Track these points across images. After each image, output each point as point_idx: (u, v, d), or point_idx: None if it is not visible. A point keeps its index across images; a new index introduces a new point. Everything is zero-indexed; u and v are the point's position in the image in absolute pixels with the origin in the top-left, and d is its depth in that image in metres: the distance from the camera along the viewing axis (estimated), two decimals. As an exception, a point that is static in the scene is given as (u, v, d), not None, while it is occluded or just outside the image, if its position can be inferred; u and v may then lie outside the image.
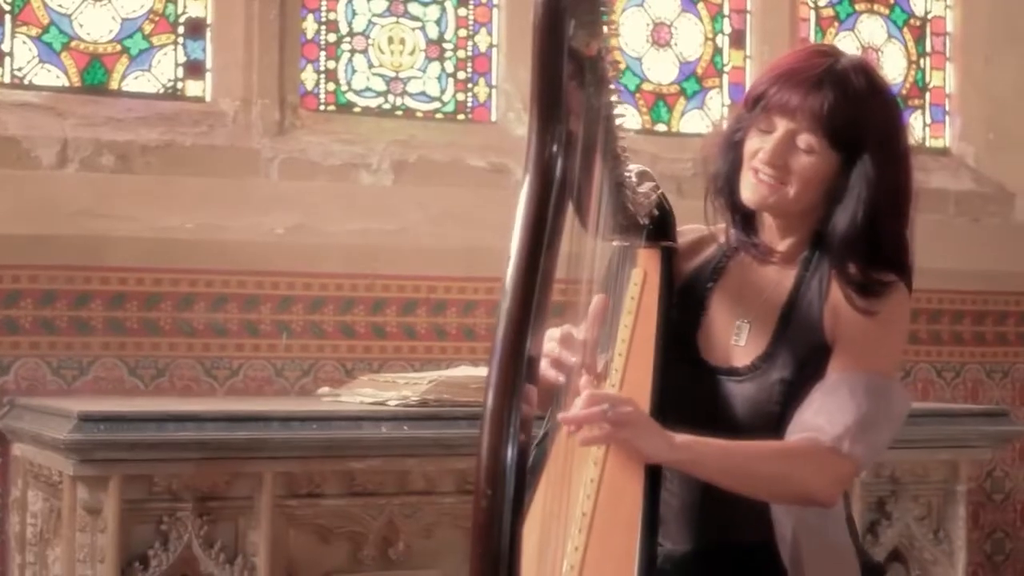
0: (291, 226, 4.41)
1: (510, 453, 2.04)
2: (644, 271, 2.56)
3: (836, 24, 5.51)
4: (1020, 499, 5.39)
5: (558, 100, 2.12)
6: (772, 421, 2.45)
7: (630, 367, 2.46)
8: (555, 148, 2.11)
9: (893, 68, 5.58)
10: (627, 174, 2.47)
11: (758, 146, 2.46)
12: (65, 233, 4.15)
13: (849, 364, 2.42)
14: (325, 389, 4.18)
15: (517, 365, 2.04)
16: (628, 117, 2.77)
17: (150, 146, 4.40)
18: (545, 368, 2.33)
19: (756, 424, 2.45)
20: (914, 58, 5.63)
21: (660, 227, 2.57)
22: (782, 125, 2.44)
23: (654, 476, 2.36)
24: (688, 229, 2.66)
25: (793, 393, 2.45)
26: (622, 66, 5.10)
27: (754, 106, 2.48)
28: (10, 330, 4.10)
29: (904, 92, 5.60)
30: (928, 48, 5.66)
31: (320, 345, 4.41)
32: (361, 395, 3.94)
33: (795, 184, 2.44)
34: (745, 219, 2.55)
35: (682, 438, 2.32)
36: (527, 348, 2.06)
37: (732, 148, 2.52)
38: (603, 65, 2.29)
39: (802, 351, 2.46)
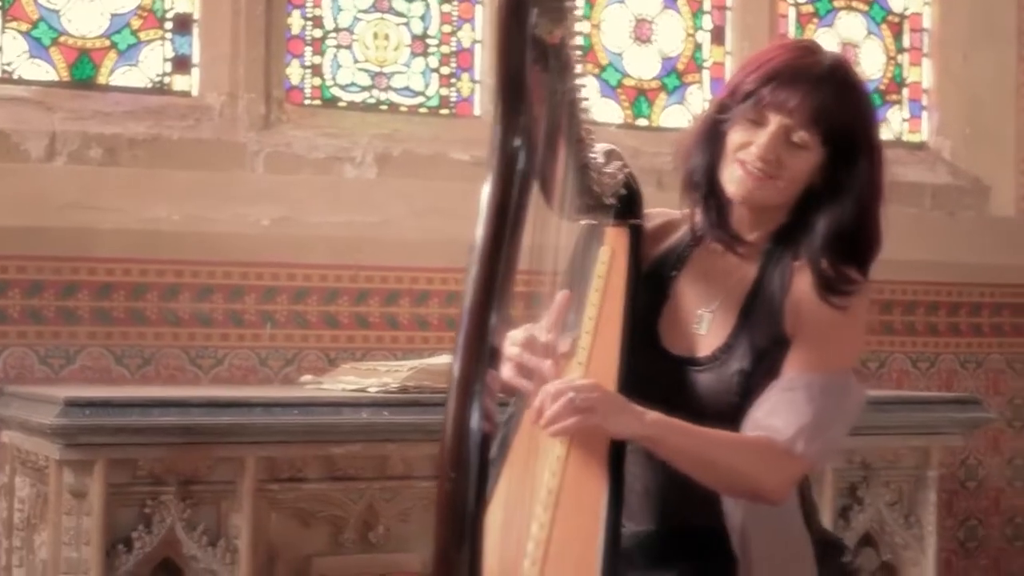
0: (276, 218, 4.49)
1: (475, 425, 2.12)
2: (611, 249, 2.60)
3: (815, 20, 5.59)
4: (993, 487, 5.47)
5: (521, 90, 2.19)
6: (730, 411, 2.51)
7: (597, 344, 2.51)
8: (518, 140, 2.18)
9: (872, 64, 5.66)
10: (592, 155, 2.52)
11: (746, 139, 2.51)
12: (53, 224, 4.22)
13: (807, 364, 2.48)
14: (308, 377, 4.26)
15: (481, 334, 2.12)
16: (592, 100, 2.81)
17: (137, 139, 4.47)
18: (510, 375, 2.41)
19: (714, 413, 2.50)
20: (892, 54, 5.71)
21: (627, 206, 2.62)
22: (776, 120, 2.49)
23: (618, 455, 2.43)
24: (656, 213, 2.71)
25: (751, 385, 2.51)
26: (588, 54, 5.17)
27: (743, 99, 2.53)
28: (-1, 319, 4.19)
29: (883, 87, 5.68)
30: (906, 44, 5.73)
31: (304, 335, 4.49)
32: (343, 382, 4.02)
33: (785, 179, 2.50)
34: (719, 210, 2.59)
35: (651, 415, 2.38)
36: (491, 325, 2.14)
37: (715, 139, 2.56)
38: (567, 52, 2.34)
39: (762, 343, 2.52)
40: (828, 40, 5.55)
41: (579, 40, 2.40)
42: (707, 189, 2.58)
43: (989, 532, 5.48)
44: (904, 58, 5.73)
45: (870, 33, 5.68)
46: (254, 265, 4.43)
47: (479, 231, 2.18)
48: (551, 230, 2.45)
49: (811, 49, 2.60)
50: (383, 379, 3.89)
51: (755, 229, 2.59)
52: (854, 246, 2.53)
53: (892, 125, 5.70)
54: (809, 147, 2.49)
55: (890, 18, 5.71)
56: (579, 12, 2.37)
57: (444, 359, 4.09)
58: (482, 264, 2.17)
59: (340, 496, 3.81)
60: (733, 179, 2.52)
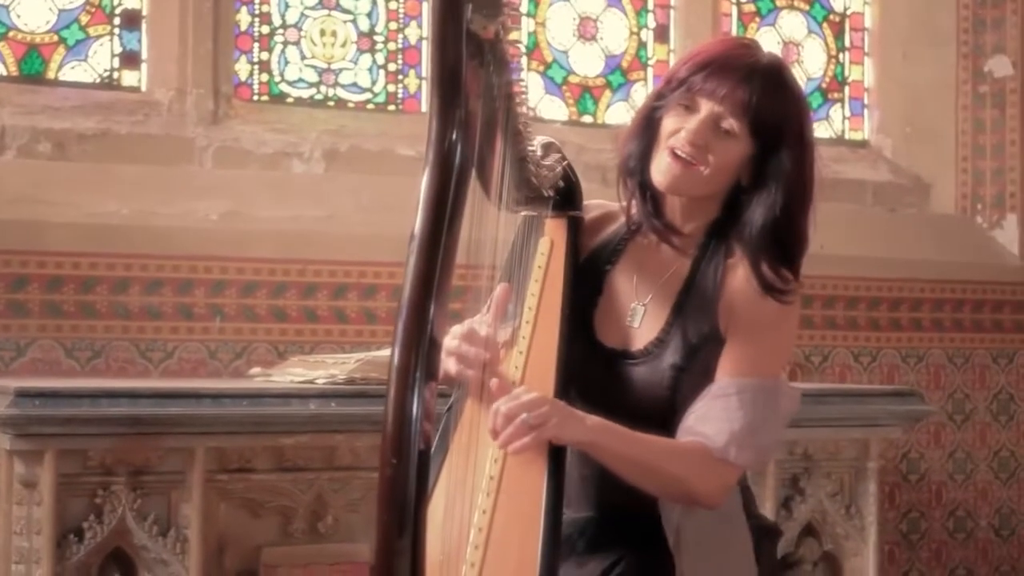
0: (224, 212, 4.52)
1: (415, 413, 2.15)
2: (551, 240, 2.64)
3: (757, 19, 5.67)
4: (935, 480, 5.56)
5: (458, 84, 2.21)
6: (662, 405, 2.54)
7: (537, 334, 2.54)
8: (455, 133, 2.21)
9: (813, 63, 5.75)
10: (530, 148, 2.53)
11: (677, 125, 2.53)
12: (2, 218, 4.24)
13: (739, 368, 2.51)
14: (256, 369, 4.29)
15: (421, 323, 2.16)
16: (537, 97, 2.81)
17: (87, 134, 4.50)
18: (449, 365, 2.44)
19: (647, 407, 2.54)
20: (833, 53, 5.80)
21: (566, 197, 2.64)
22: (707, 106, 2.52)
23: (559, 447, 2.45)
24: (594, 204, 2.73)
25: (684, 379, 2.54)
26: (534, 51, 5.24)
27: (677, 87, 2.56)
28: (-51, 313, 4.20)
29: (824, 86, 5.77)
30: (847, 43, 5.82)
31: (253, 328, 4.52)
32: (291, 374, 4.05)
33: (711, 166, 2.53)
34: (653, 200, 2.61)
35: (593, 420, 2.42)
36: (430, 314, 2.18)
37: (649, 127, 2.59)
38: (502, 46, 2.36)
39: (694, 338, 2.55)
40: (770, 39, 5.65)
41: (516, 35, 2.42)
42: (641, 178, 2.61)
43: (931, 524, 5.57)
44: (845, 57, 5.83)
45: (811, 32, 5.77)
46: (203, 259, 4.46)
47: (417, 222, 2.21)
48: (489, 225, 2.45)
49: (748, 45, 2.65)
50: (331, 371, 3.92)
51: (689, 221, 2.61)
52: (784, 245, 2.55)
53: (834, 123, 5.80)
54: (737, 136, 2.52)
55: (831, 17, 5.81)
56: (515, 7, 2.40)
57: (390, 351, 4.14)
58: (420, 255, 2.19)
59: (289, 487, 3.84)
60: (660, 168, 2.55)
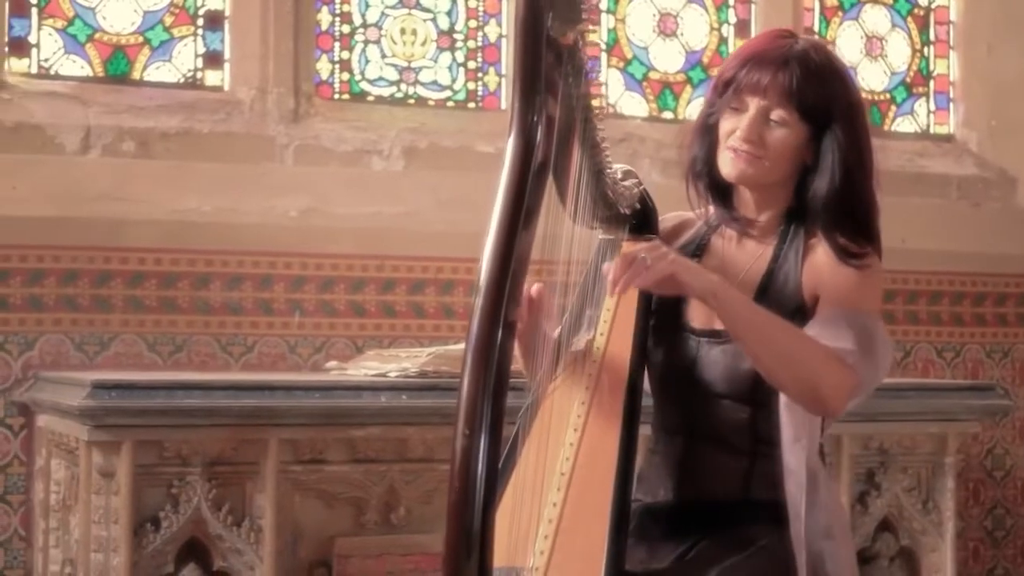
0: (304, 209, 4.60)
1: (489, 385, 2.20)
2: None
3: (840, 14, 5.65)
4: (1020, 476, 5.50)
5: (538, 77, 2.28)
6: (748, 382, 2.58)
7: (610, 346, 2.62)
8: (535, 117, 2.28)
9: (897, 57, 5.71)
10: (608, 162, 2.60)
11: (733, 125, 2.61)
12: (87, 215, 4.35)
13: (841, 302, 2.55)
14: (332, 363, 4.36)
15: (498, 304, 2.21)
16: (617, 94, 2.85)
17: (169, 133, 4.59)
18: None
19: (732, 384, 2.59)
20: (918, 47, 5.76)
21: (643, 221, 2.71)
22: (754, 103, 2.59)
23: (630, 438, 2.53)
24: (671, 216, 2.81)
25: None
26: (614, 48, 5.26)
27: (724, 90, 2.64)
28: (35, 307, 4.30)
29: (908, 80, 5.73)
30: (932, 37, 5.78)
31: (332, 323, 4.59)
32: (365, 368, 4.12)
33: (771, 156, 2.59)
34: (724, 198, 2.70)
35: (718, 277, 2.48)
36: (507, 292, 2.23)
37: (707, 132, 2.67)
38: (580, 55, 2.43)
39: (780, 314, 2.59)
40: (853, 33, 5.64)
41: (594, 42, 2.48)
42: (709, 180, 2.69)
43: (1017, 521, 5.51)
44: (930, 51, 5.78)
45: (895, 26, 5.73)
46: (282, 255, 4.54)
47: (498, 201, 2.27)
48: (565, 223, 2.54)
49: (784, 35, 2.71)
50: (403, 364, 3.98)
51: (763, 211, 2.68)
52: (854, 213, 2.61)
53: (918, 117, 5.75)
54: (788, 123, 2.59)
55: (915, 11, 5.76)
56: (593, 16, 2.46)
57: (463, 346, 4.18)
58: (499, 237, 2.26)
59: (361, 478, 3.90)
60: (726, 163, 2.63)
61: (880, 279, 2.66)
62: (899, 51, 5.73)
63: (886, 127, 5.68)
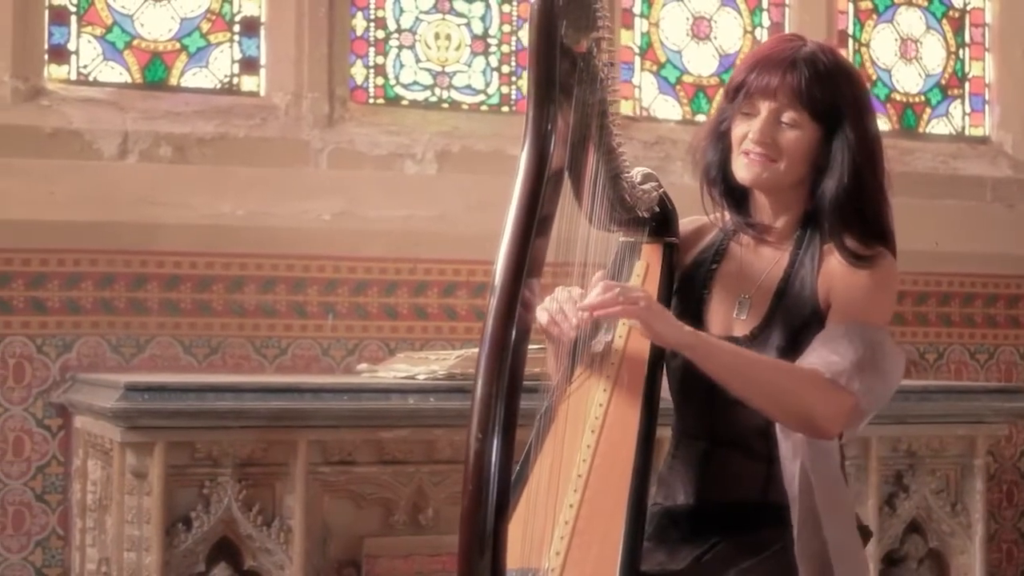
0: (337, 212, 4.66)
1: (503, 390, 2.26)
2: (647, 263, 2.74)
3: (875, 16, 5.65)
4: (1055, 478, 5.50)
5: (552, 85, 2.34)
6: None
7: (628, 349, 2.64)
8: (549, 125, 2.33)
9: (932, 59, 5.72)
10: (625, 166, 2.63)
11: (745, 130, 2.64)
12: (123, 220, 4.42)
13: (845, 316, 2.58)
14: (363, 365, 4.42)
15: (512, 305, 2.27)
16: (621, 113, 2.90)
17: (205, 138, 4.66)
18: (543, 319, 2.55)
19: None
20: (953, 49, 5.76)
21: (663, 224, 2.74)
22: (765, 106, 2.62)
23: (647, 440, 2.55)
24: (691, 220, 2.83)
25: (787, 357, 2.59)
26: (647, 51, 5.29)
27: (735, 96, 2.66)
28: (72, 310, 4.38)
29: (943, 82, 5.73)
30: (967, 39, 5.78)
31: (364, 325, 4.65)
32: (395, 370, 4.17)
33: (784, 158, 2.62)
34: (739, 204, 2.72)
35: (692, 329, 2.50)
36: (521, 294, 2.29)
37: (720, 138, 2.70)
38: (595, 62, 2.47)
39: (796, 322, 2.63)
40: (887, 36, 5.64)
41: (608, 51, 2.51)
42: (724, 186, 2.72)
43: (1052, 524, 5.52)
44: (965, 53, 5.78)
45: (930, 28, 5.73)
46: (316, 258, 4.60)
47: (509, 220, 2.34)
48: (580, 225, 2.58)
49: (793, 39, 2.73)
50: (431, 367, 4.03)
51: (779, 216, 2.70)
52: (862, 212, 2.63)
53: (953, 119, 5.76)
54: (799, 125, 2.61)
55: (951, 13, 5.77)
56: (607, 24, 2.49)
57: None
58: (513, 243, 2.32)
59: (390, 479, 3.95)
60: (741, 167, 2.66)
61: (892, 282, 2.68)
62: (934, 53, 5.73)
63: (920, 129, 5.68)
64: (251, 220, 4.56)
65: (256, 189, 4.61)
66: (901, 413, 4.31)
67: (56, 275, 4.37)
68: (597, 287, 2.49)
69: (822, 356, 2.53)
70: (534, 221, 2.35)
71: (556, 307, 2.59)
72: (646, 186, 2.71)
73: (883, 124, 5.59)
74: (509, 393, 2.34)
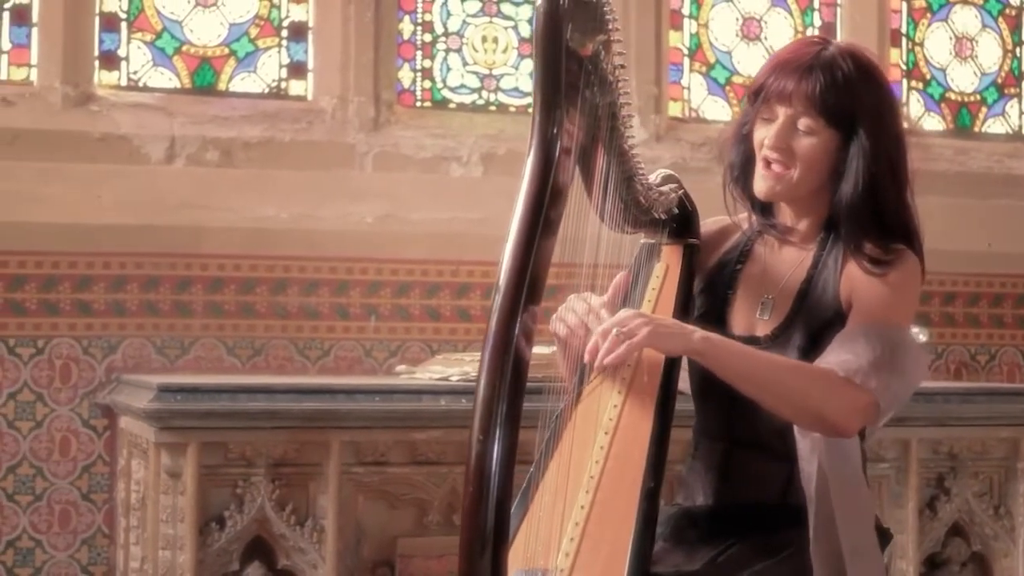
0: (380, 215, 4.70)
1: (504, 391, 2.28)
2: (667, 265, 2.75)
3: (929, 15, 5.60)
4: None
5: (558, 89, 2.35)
6: None
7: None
8: (555, 129, 2.34)
9: (988, 57, 5.66)
10: (639, 168, 2.64)
11: (764, 135, 2.64)
12: (168, 223, 4.49)
13: (865, 317, 2.58)
14: (402, 367, 4.46)
15: (515, 311, 2.29)
16: (635, 116, 2.91)
17: (252, 142, 4.72)
18: (558, 327, 2.58)
19: None
20: (1010, 47, 5.70)
21: (683, 225, 2.75)
22: (782, 112, 2.62)
23: (661, 441, 2.55)
24: (715, 220, 2.84)
25: (808, 357, 2.59)
26: (697, 52, 5.29)
27: (755, 99, 2.67)
28: (117, 312, 4.46)
29: (999, 81, 5.67)
30: (1024, 37, 5.73)
31: (407, 327, 4.69)
32: (431, 371, 4.20)
33: (800, 166, 2.61)
34: (764, 205, 2.73)
35: (700, 333, 2.51)
36: (523, 302, 2.31)
37: (743, 141, 2.70)
38: (603, 65, 2.48)
39: (817, 323, 2.63)
40: (942, 35, 5.59)
41: (618, 53, 2.53)
42: (745, 186, 2.72)
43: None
44: (1022, 51, 5.71)
45: (986, 26, 5.67)
46: (359, 260, 4.65)
47: (518, 209, 2.36)
48: (590, 226, 2.59)
49: (814, 41, 2.72)
50: (465, 368, 4.05)
51: (802, 219, 2.71)
52: (877, 218, 2.62)
53: (1010, 119, 5.70)
54: (815, 132, 2.61)
55: (1007, 11, 5.70)
56: (615, 27, 2.50)
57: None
58: (518, 246, 2.34)
59: (423, 480, 3.98)
60: (758, 179, 2.66)
61: (914, 281, 2.66)
62: (990, 52, 5.67)
63: (976, 128, 5.63)
64: (295, 223, 4.61)
65: (301, 192, 4.66)
66: (942, 415, 4.29)
67: (102, 278, 4.45)
68: (595, 336, 2.49)
69: (838, 355, 2.53)
70: (539, 223, 2.36)
71: (576, 320, 2.61)
72: (665, 188, 2.71)
73: (937, 124, 5.56)
74: (512, 394, 2.35)
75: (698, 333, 2.51)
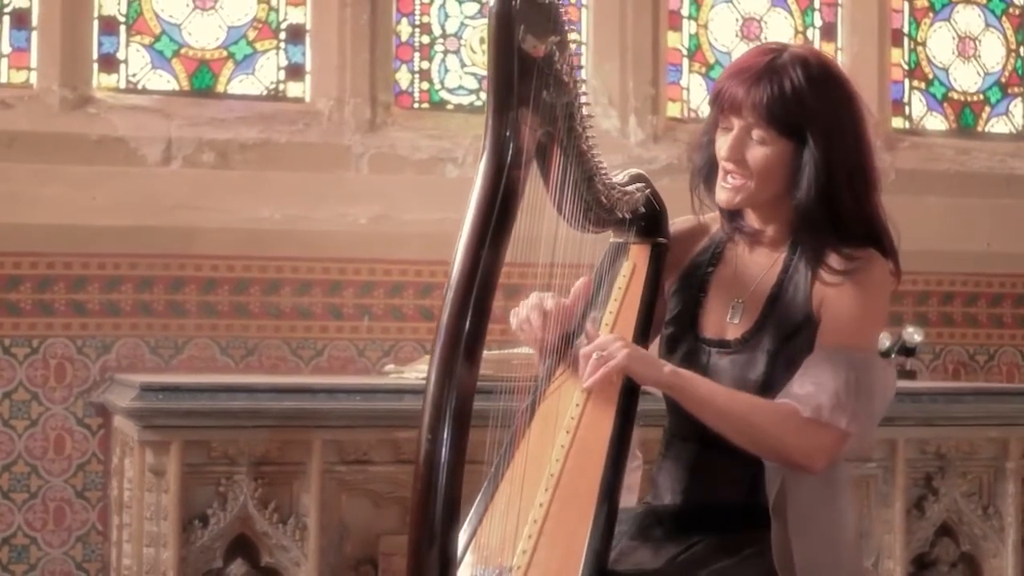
0: (374, 216, 4.73)
1: (453, 396, 2.38)
2: (633, 264, 2.77)
3: (931, 15, 5.59)
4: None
5: (511, 92, 2.38)
6: (756, 391, 2.62)
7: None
8: (508, 132, 2.37)
9: (991, 57, 5.64)
10: (600, 167, 2.65)
11: (722, 144, 2.65)
12: (163, 224, 4.54)
13: (830, 341, 2.59)
14: (391, 366, 4.49)
15: (463, 316, 2.42)
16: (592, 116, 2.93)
17: (248, 144, 4.76)
18: (513, 324, 2.69)
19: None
20: (1013, 47, 5.68)
21: (651, 224, 2.78)
22: (737, 122, 2.62)
23: (621, 441, 2.59)
24: (685, 219, 2.84)
25: (777, 361, 2.63)
26: (696, 53, 5.31)
27: (713, 105, 2.68)
28: (112, 312, 4.52)
29: (1003, 80, 5.65)
30: (1028, 37, 5.71)
31: (400, 327, 4.72)
32: (418, 371, 4.22)
33: (755, 176, 2.63)
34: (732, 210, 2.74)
35: (672, 368, 2.57)
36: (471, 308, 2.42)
37: (707, 145, 2.71)
38: (557, 66, 2.48)
39: (788, 327, 2.64)
40: (944, 34, 5.58)
41: (573, 56, 2.54)
42: (713, 193, 2.73)
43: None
44: (1026, 50, 5.70)
45: (989, 26, 5.66)
46: (352, 261, 4.69)
47: (469, 213, 2.47)
48: (547, 225, 2.62)
49: (769, 49, 2.70)
50: (449, 368, 4.06)
51: (768, 223, 2.71)
52: (836, 226, 2.62)
53: (1014, 118, 5.68)
54: (767, 142, 2.60)
55: (1011, 10, 5.68)
56: (569, 29, 2.51)
57: (520, 350, 4.26)
58: (470, 239, 2.44)
59: (407, 479, 3.95)
60: (718, 189, 2.68)
61: (881, 288, 2.66)
62: (993, 51, 5.66)
63: (979, 128, 5.61)
64: (289, 224, 4.65)
65: (296, 194, 4.70)
66: (929, 415, 4.28)
67: (96, 278, 4.51)
68: (579, 354, 2.57)
69: (804, 388, 2.55)
70: (490, 223, 2.40)
71: (524, 315, 2.66)
72: (631, 187, 2.73)
73: (940, 124, 5.55)
74: (461, 391, 2.39)
75: (668, 367, 2.56)
